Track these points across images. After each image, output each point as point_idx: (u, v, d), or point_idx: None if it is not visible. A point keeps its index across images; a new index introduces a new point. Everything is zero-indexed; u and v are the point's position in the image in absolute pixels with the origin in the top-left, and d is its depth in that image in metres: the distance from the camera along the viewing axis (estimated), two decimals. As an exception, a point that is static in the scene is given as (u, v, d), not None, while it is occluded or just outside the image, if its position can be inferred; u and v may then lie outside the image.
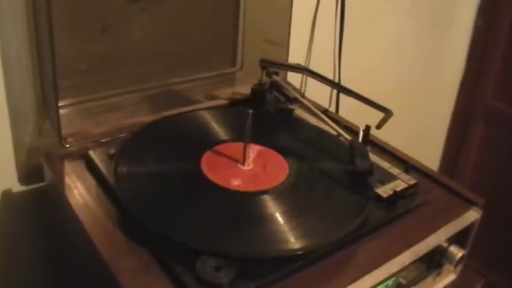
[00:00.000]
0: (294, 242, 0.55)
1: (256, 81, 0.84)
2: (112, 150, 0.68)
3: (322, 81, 0.80)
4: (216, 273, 0.50)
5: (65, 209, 0.63)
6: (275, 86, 0.83)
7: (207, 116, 0.78)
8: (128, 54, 0.84)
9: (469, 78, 1.64)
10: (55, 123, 0.69)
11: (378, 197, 0.65)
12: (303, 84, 1.01)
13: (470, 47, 1.60)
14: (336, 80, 1.11)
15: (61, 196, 0.64)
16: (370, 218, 0.62)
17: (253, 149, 0.69)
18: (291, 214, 0.59)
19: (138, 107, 0.83)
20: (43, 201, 0.78)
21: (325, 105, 0.93)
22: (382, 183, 0.67)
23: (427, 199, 0.68)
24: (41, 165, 0.71)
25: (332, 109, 1.08)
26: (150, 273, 0.53)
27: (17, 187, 0.79)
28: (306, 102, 0.78)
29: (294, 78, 0.90)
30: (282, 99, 0.82)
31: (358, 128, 0.75)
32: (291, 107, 0.84)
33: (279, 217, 0.58)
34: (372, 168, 0.66)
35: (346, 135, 0.70)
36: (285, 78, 0.89)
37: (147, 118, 0.78)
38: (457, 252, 0.65)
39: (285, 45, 0.88)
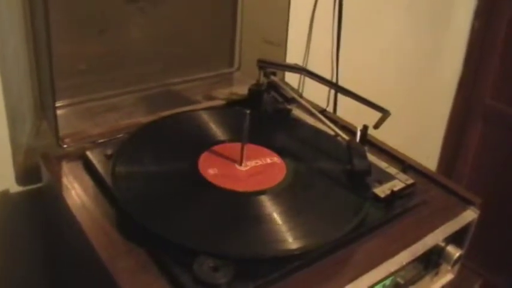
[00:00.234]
0: (292, 242, 0.55)
1: (253, 82, 0.84)
2: (110, 151, 0.68)
3: (319, 82, 0.80)
4: (214, 273, 0.50)
5: (63, 209, 0.63)
6: (273, 86, 0.83)
7: (205, 116, 0.78)
8: (125, 54, 0.84)
9: (467, 78, 1.64)
10: (52, 124, 0.69)
11: (376, 196, 0.65)
12: (301, 85, 1.01)
13: (468, 47, 1.61)
14: (334, 80, 1.11)
15: (58, 197, 0.64)
16: (367, 217, 0.62)
17: (251, 149, 0.69)
18: (289, 214, 0.59)
19: (136, 108, 0.83)
20: (41, 201, 0.78)
21: (323, 105, 0.93)
22: (380, 183, 0.67)
23: (425, 199, 0.68)
24: (39, 166, 0.71)
25: (330, 109, 1.08)
26: (147, 273, 0.52)
27: (15, 188, 0.78)
28: (303, 102, 0.78)
29: (291, 78, 0.90)
30: (280, 99, 0.82)
31: (355, 128, 0.75)
32: (289, 107, 0.84)
33: (277, 217, 0.58)
34: (370, 168, 0.66)
35: (344, 135, 0.70)
36: (282, 79, 0.89)
37: (144, 118, 0.78)
38: (454, 252, 0.65)
39: (283, 46, 0.88)
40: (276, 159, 0.69)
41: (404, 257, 0.60)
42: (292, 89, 0.82)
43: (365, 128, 0.74)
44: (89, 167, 0.68)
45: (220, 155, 0.69)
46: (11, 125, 0.75)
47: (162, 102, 0.85)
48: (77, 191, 0.64)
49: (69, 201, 0.62)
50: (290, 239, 0.55)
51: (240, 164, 0.67)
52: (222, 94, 0.91)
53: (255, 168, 0.67)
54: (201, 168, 0.65)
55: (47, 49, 0.64)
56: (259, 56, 0.83)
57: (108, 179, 0.63)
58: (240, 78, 0.97)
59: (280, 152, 0.71)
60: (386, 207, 0.65)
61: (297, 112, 0.85)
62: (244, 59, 0.97)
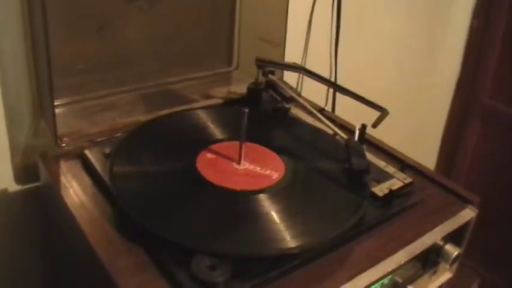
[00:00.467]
0: (290, 240, 0.55)
1: (252, 81, 0.84)
2: (108, 150, 0.68)
3: (318, 81, 0.80)
4: (212, 272, 0.50)
5: (61, 208, 0.62)
6: (271, 85, 0.83)
7: (203, 115, 0.78)
8: (123, 53, 0.84)
9: (466, 77, 1.64)
10: (51, 123, 0.68)
11: (374, 195, 0.65)
12: (299, 84, 1.01)
13: (467, 47, 1.61)
14: (332, 79, 1.11)
15: (57, 196, 0.64)
16: (366, 216, 0.62)
17: (249, 148, 0.69)
18: (287, 213, 0.59)
19: (134, 106, 0.83)
20: (39, 201, 0.78)
21: (322, 104, 0.93)
22: (378, 182, 0.67)
23: (423, 198, 0.69)
24: (37, 165, 0.71)
25: (328, 108, 1.08)
26: (146, 272, 0.52)
27: (13, 187, 0.78)
28: (302, 101, 0.78)
29: (290, 77, 0.90)
30: (278, 98, 0.82)
31: (354, 127, 0.75)
32: (287, 106, 0.84)
33: (275, 216, 0.58)
34: (368, 167, 0.66)
35: (342, 134, 0.70)
36: (281, 78, 0.89)
37: (143, 117, 0.78)
38: (452, 250, 0.65)
39: (281, 44, 0.88)
40: (275, 158, 0.69)
41: (402, 256, 0.60)
42: (291, 88, 0.82)
43: (363, 127, 0.74)
44: (87, 166, 0.68)
45: (219, 153, 0.69)
46: (9, 124, 0.75)
47: (160, 101, 0.85)
48: (75, 190, 0.64)
49: (68, 200, 0.62)
50: (288, 238, 0.55)
51: (238, 163, 0.67)
52: (220, 93, 0.91)
53: (253, 167, 0.67)
54: (199, 167, 0.65)
55: (45, 48, 0.64)
56: (257, 55, 0.83)
57: (106, 178, 0.63)
58: (238, 77, 0.97)
59: (279, 150, 0.71)
60: (384, 206, 0.65)
61: (295, 111, 0.85)
62: (242, 58, 0.97)
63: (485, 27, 1.56)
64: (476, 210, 0.69)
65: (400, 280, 0.62)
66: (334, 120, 0.82)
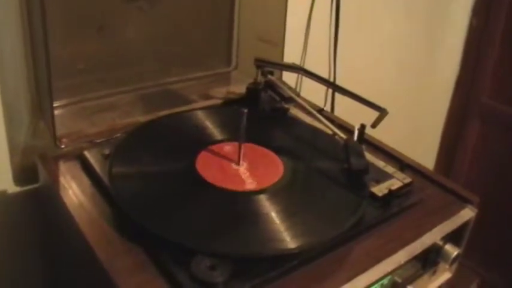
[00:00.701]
0: (289, 241, 0.55)
1: (251, 81, 0.84)
2: (107, 151, 0.68)
3: (317, 81, 0.80)
4: (211, 272, 0.50)
5: (60, 209, 0.62)
6: (270, 85, 0.83)
7: (202, 116, 0.78)
8: (123, 53, 0.83)
9: (465, 77, 1.64)
10: (50, 124, 0.68)
11: (373, 195, 0.65)
12: (298, 84, 1.01)
13: (466, 46, 1.61)
14: (331, 79, 1.11)
15: (56, 197, 0.64)
16: (365, 216, 0.62)
17: (248, 149, 0.69)
18: (286, 213, 0.59)
19: (133, 107, 0.83)
20: (38, 202, 0.78)
21: (321, 104, 0.93)
22: (377, 182, 0.67)
23: (422, 197, 0.69)
24: (36, 166, 0.71)
25: (327, 108, 1.08)
26: (145, 272, 0.52)
27: (12, 188, 0.78)
28: (301, 101, 0.78)
29: (289, 77, 0.90)
30: (277, 98, 0.82)
31: (353, 127, 0.75)
32: (286, 106, 0.84)
33: (274, 216, 0.58)
34: (367, 167, 0.66)
35: (342, 134, 0.70)
36: (280, 78, 0.89)
37: (142, 118, 0.78)
38: (452, 250, 0.65)
39: (280, 45, 0.88)
40: (274, 158, 0.69)
41: (402, 256, 0.60)
42: (290, 88, 0.82)
43: (362, 127, 0.74)
44: (86, 167, 0.68)
45: (218, 154, 0.69)
46: (8, 125, 0.75)
47: (159, 101, 0.85)
48: (74, 191, 0.64)
49: (67, 201, 0.62)
50: (287, 238, 0.55)
51: (238, 163, 0.67)
52: (220, 93, 0.91)
53: (253, 168, 0.67)
54: (199, 167, 0.65)
55: (44, 49, 0.64)
56: (256, 55, 0.83)
57: (105, 179, 0.63)
58: (237, 77, 0.97)
59: (278, 151, 0.71)
60: (383, 206, 0.65)
61: (294, 111, 0.85)
62: (241, 58, 0.97)
63: (484, 26, 1.56)
64: (476, 210, 0.69)
65: (399, 280, 0.62)
66: (333, 120, 0.82)
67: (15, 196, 0.79)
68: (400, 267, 0.60)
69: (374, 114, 0.71)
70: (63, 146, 0.70)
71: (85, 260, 0.59)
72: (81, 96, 0.80)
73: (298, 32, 1.07)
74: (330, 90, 1.09)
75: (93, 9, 0.77)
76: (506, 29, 1.53)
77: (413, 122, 1.55)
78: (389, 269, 0.58)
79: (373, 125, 0.71)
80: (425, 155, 1.73)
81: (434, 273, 0.69)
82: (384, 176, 0.69)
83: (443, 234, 0.65)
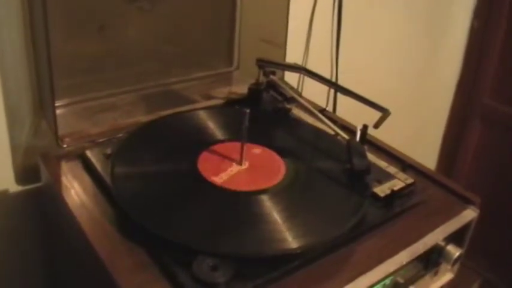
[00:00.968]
0: (291, 241, 0.55)
1: (253, 81, 0.84)
2: (109, 150, 0.68)
3: (319, 81, 0.80)
4: (213, 272, 0.50)
5: (62, 209, 0.62)
6: (272, 86, 0.83)
7: (204, 116, 0.78)
8: (124, 53, 0.83)
9: (466, 78, 1.64)
10: (52, 123, 0.68)
11: (375, 196, 0.65)
12: (300, 84, 1.01)
13: (467, 47, 1.61)
14: (333, 80, 1.11)
15: (58, 196, 0.64)
16: (367, 217, 0.62)
17: (250, 149, 0.69)
18: (288, 213, 0.59)
19: (135, 107, 0.83)
20: (40, 201, 0.78)
21: (323, 104, 0.93)
22: (380, 182, 0.67)
23: (424, 198, 0.68)
24: (38, 166, 0.71)
25: (329, 108, 1.08)
26: (147, 272, 0.52)
27: (14, 187, 0.78)
28: (303, 101, 0.78)
29: (291, 77, 0.90)
30: (279, 98, 0.82)
31: (355, 127, 0.75)
32: (288, 106, 0.84)
33: (276, 216, 0.58)
34: (369, 167, 0.66)
35: (344, 135, 0.70)
36: (282, 78, 0.89)
37: (143, 118, 0.78)
38: (454, 251, 0.65)
39: (282, 45, 0.88)
40: (276, 158, 0.69)
41: (404, 257, 0.60)
42: (292, 88, 0.82)
43: (365, 128, 0.74)
44: (88, 167, 0.68)
45: (220, 154, 0.69)
46: (10, 124, 0.75)
47: (161, 101, 0.85)
48: (76, 191, 0.64)
49: (69, 201, 0.62)
50: (289, 238, 0.55)
51: (240, 163, 0.67)
52: (221, 93, 0.91)
53: (255, 168, 0.67)
54: (201, 167, 0.65)
55: (46, 48, 0.64)
56: (258, 55, 0.83)
57: (107, 179, 0.63)
58: (239, 77, 0.97)
59: (280, 151, 0.71)
60: (386, 207, 0.65)
61: (296, 111, 0.85)
62: (243, 58, 0.97)
63: (485, 28, 1.56)
64: (478, 211, 0.69)
65: (401, 281, 0.62)
66: (335, 120, 0.82)
67: (17, 195, 0.79)
68: (402, 267, 0.60)
69: (376, 115, 0.71)
70: (65, 146, 0.70)
71: (86, 259, 0.59)
72: (83, 96, 0.80)
73: (300, 33, 1.07)
74: (332, 91, 1.09)
75: (94, 9, 0.77)
76: (508, 31, 1.53)
77: (414, 123, 1.55)
78: (391, 270, 0.58)
79: (376, 126, 0.71)
80: (427, 155, 1.73)
81: (436, 273, 0.69)
82: (386, 177, 0.69)
83: (445, 234, 0.65)
